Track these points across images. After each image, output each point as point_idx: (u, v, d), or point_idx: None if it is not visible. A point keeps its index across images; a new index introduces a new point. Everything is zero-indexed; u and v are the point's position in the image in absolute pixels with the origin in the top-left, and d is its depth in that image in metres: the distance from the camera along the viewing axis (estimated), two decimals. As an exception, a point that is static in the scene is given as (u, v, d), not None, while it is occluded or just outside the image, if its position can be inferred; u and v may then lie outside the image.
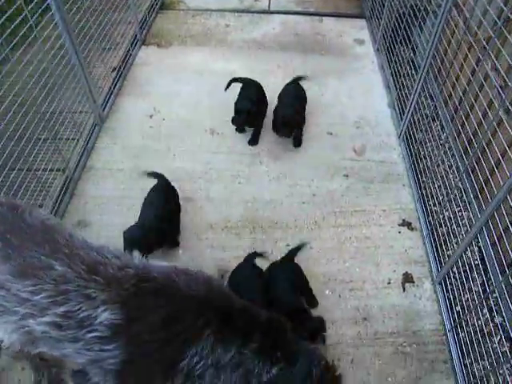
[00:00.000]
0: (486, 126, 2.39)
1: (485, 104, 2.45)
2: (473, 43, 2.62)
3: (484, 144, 2.37)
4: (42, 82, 2.92)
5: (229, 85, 3.67)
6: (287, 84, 3.77)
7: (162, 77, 4.29)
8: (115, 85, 4.06)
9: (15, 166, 2.76)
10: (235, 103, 3.51)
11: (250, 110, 3.40)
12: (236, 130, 3.66)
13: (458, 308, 2.60)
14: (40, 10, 2.85)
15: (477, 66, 2.51)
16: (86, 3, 3.59)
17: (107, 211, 3.17)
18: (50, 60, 3.01)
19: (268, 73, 4.32)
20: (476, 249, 2.76)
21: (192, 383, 1.65)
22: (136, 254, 1.84)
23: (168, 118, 3.89)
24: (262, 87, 3.69)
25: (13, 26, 2.49)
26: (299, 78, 3.80)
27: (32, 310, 1.58)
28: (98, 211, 3.17)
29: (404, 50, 4.16)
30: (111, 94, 3.98)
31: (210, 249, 2.98)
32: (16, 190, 2.76)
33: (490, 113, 2.42)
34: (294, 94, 3.65)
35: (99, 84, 3.91)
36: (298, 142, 3.65)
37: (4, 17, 2.44)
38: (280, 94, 3.70)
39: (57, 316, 1.57)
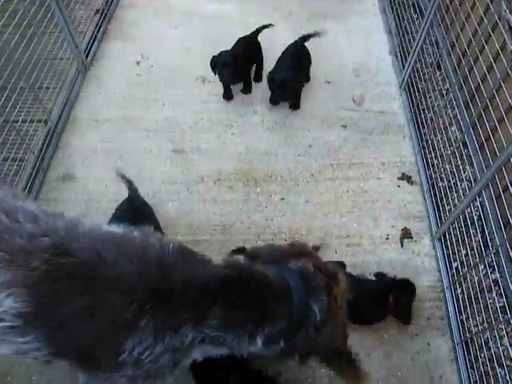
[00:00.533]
0: (497, 72, 2.21)
1: (497, 46, 2.26)
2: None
3: (495, 91, 2.19)
4: (14, 23, 2.66)
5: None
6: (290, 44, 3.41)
7: (149, 20, 4.01)
8: (99, 29, 3.78)
9: (-11, 116, 2.57)
10: None
11: (224, 62, 3.14)
12: (224, 97, 3.41)
13: (457, 264, 2.52)
14: None
15: (491, 3, 2.30)
16: None
17: (93, 164, 3.03)
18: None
19: (264, 16, 4.01)
20: (478, 204, 2.66)
21: (149, 368, 1.36)
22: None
23: (156, 64, 3.66)
24: (250, 37, 3.42)
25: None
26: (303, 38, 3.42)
27: None
28: (84, 164, 3.03)
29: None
30: (95, 38, 3.71)
31: (201, 203, 2.86)
32: (-7, 143, 2.59)
33: (502, 55, 2.23)
34: (292, 55, 3.29)
35: (81, 28, 3.63)
36: (295, 105, 3.37)
37: None
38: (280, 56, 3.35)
39: None
